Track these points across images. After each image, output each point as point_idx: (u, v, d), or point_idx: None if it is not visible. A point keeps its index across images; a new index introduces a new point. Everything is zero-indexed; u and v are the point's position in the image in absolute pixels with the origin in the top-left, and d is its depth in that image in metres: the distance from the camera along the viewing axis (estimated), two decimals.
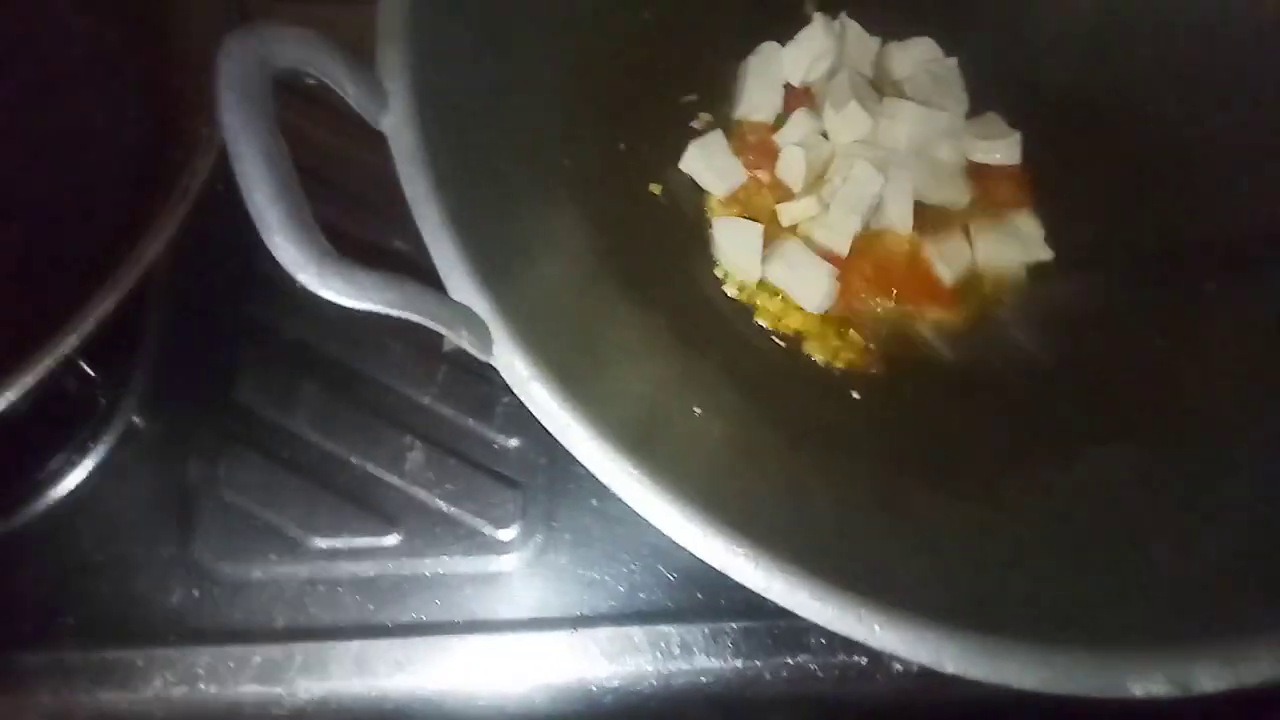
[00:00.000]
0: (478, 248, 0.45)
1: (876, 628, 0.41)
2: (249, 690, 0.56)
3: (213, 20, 0.53)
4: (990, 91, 0.73)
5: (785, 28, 0.72)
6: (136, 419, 0.63)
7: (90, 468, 0.61)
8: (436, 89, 0.49)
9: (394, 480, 0.62)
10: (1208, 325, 0.65)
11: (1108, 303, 0.67)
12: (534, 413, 0.42)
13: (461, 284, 0.43)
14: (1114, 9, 0.73)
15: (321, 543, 0.60)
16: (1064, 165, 0.71)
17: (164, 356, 0.63)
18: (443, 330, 0.40)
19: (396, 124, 0.46)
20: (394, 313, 0.38)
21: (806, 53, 0.70)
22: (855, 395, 0.63)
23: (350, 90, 0.44)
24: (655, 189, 0.68)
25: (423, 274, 0.42)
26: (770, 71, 0.71)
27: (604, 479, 0.42)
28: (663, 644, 0.60)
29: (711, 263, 0.67)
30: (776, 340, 0.65)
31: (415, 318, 0.39)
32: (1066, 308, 0.67)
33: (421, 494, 0.62)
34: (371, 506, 0.61)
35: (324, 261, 0.36)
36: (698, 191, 0.69)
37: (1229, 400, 0.62)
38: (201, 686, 0.56)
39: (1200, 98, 0.69)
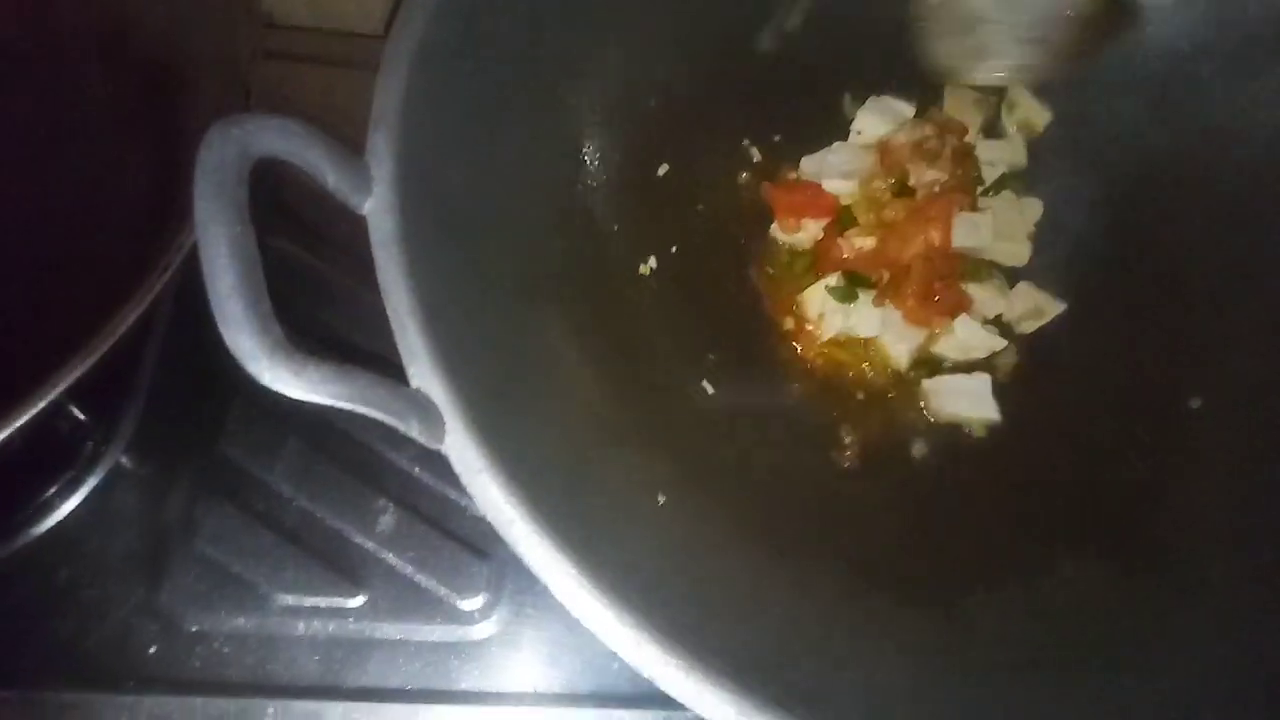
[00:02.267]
0: (446, 336, 0.46)
1: None
2: None
3: (220, 97, 0.55)
4: None
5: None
6: (124, 460, 0.64)
7: (72, 508, 0.62)
8: (424, 175, 0.50)
9: (364, 542, 0.63)
10: (1191, 445, 0.64)
11: (1090, 416, 0.66)
12: (479, 505, 0.43)
13: (421, 370, 0.44)
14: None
15: (287, 599, 0.61)
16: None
17: (154, 404, 0.65)
18: (393, 423, 0.41)
19: (377, 209, 0.47)
20: (343, 405, 0.39)
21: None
22: (825, 494, 0.62)
23: (331, 178, 0.45)
24: (645, 270, 0.68)
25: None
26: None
27: (542, 578, 0.42)
28: None
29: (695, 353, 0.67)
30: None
31: (364, 410, 0.40)
32: (1048, 419, 0.67)
33: (390, 557, 0.63)
34: (340, 566, 0.62)
35: (275, 354, 0.38)
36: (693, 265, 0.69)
37: (1206, 524, 0.61)
38: None
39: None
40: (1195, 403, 0.66)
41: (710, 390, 0.66)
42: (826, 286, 0.67)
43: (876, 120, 0.72)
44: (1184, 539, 0.61)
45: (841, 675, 0.50)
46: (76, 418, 0.62)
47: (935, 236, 0.66)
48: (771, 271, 0.70)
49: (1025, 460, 0.66)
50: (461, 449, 0.43)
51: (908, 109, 0.72)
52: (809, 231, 0.70)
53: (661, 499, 0.57)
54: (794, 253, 0.71)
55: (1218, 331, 0.67)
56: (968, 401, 0.66)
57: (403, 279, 0.46)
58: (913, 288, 0.66)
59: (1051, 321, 0.70)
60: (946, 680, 0.53)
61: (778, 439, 0.64)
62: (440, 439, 0.43)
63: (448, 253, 0.50)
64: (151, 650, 0.59)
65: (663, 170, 0.72)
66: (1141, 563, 0.60)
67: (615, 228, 0.68)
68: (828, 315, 0.67)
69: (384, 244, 0.47)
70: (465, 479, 0.43)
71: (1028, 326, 0.69)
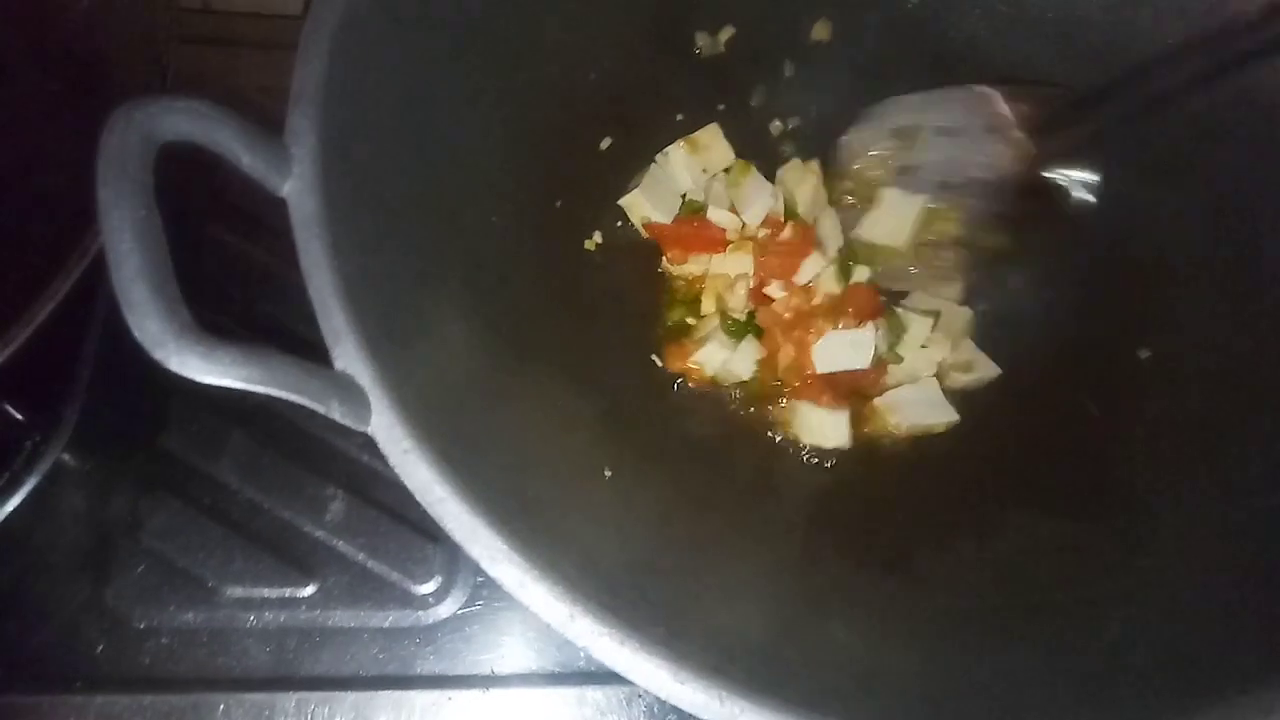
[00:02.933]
0: (371, 317, 0.45)
1: (738, 712, 0.41)
2: None
3: (139, 81, 0.54)
4: None
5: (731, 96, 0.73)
6: (66, 456, 0.63)
7: (15, 504, 0.61)
8: (346, 153, 0.49)
9: (314, 530, 0.62)
10: (1139, 394, 0.65)
11: (1041, 372, 0.66)
12: (408, 484, 0.42)
13: (345, 351, 0.43)
14: None
15: (237, 591, 0.60)
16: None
17: (94, 401, 0.64)
18: (311, 405, 0.40)
19: (298, 190, 0.46)
20: (256, 388, 0.39)
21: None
22: (774, 464, 0.62)
23: (245, 159, 0.44)
24: (590, 245, 0.68)
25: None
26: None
27: (473, 554, 0.42)
28: (575, 706, 0.60)
29: (644, 328, 0.66)
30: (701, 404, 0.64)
31: (279, 393, 0.39)
32: (1000, 376, 0.67)
33: (341, 545, 0.62)
34: (290, 556, 0.62)
35: (182, 339, 0.37)
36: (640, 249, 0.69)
37: (1154, 470, 0.62)
38: None
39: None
40: (1144, 353, 0.66)
41: (659, 363, 0.66)
42: (723, 320, 0.65)
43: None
44: (1131, 490, 0.62)
45: (792, 635, 0.50)
46: (12, 417, 0.61)
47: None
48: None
49: (975, 418, 0.66)
50: (388, 429, 0.43)
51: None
52: (698, 264, 0.68)
53: (608, 473, 0.57)
54: (684, 281, 0.69)
55: (1164, 285, 0.67)
56: (925, 409, 0.65)
57: (325, 260, 0.45)
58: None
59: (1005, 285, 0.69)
60: (899, 632, 0.54)
61: (729, 412, 0.64)
62: (366, 420, 0.43)
63: (374, 233, 0.49)
64: (99, 649, 0.58)
65: (605, 144, 0.71)
66: (1091, 513, 0.61)
67: (558, 204, 0.68)
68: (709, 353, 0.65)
69: (305, 224, 0.46)
70: (393, 459, 0.43)
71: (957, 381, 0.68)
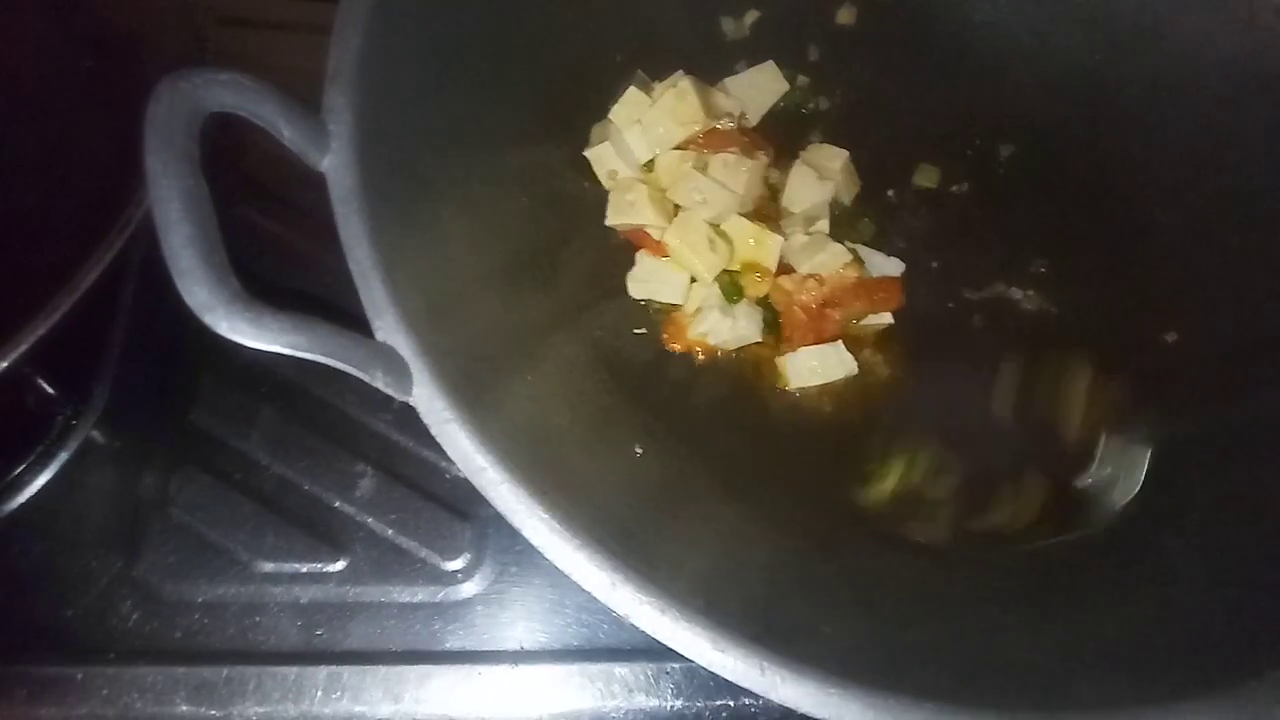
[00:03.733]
0: (411, 290, 0.45)
1: (779, 681, 0.41)
2: (184, 711, 0.56)
3: (177, 54, 0.54)
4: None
5: None
6: (96, 433, 0.64)
7: (46, 480, 0.62)
8: (382, 128, 0.50)
9: (344, 506, 0.63)
10: (1167, 377, 0.65)
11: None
12: (449, 453, 0.43)
13: (387, 324, 0.44)
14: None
15: (267, 566, 0.61)
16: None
17: (124, 375, 0.64)
18: (356, 373, 0.41)
19: (337, 165, 0.47)
20: (304, 355, 0.39)
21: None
22: (802, 439, 0.62)
23: (286, 133, 0.44)
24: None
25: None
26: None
27: (515, 523, 0.42)
28: (603, 682, 0.60)
29: None
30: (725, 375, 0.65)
31: (326, 360, 0.40)
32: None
33: (371, 521, 0.63)
34: (320, 532, 0.62)
35: (232, 305, 0.37)
36: None
37: (1183, 457, 0.62)
38: (138, 705, 0.56)
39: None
40: (1170, 336, 0.66)
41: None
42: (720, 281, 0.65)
43: None
44: (1163, 474, 0.62)
45: (825, 611, 0.50)
46: (45, 391, 0.61)
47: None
48: None
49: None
50: (429, 400, 0.43)
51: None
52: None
53: (639, 450, 0.57)
54: None
55: (1190, 267, 0.67)
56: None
57: (365, 233, 0.46)
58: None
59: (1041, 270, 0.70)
60: (924, 609, 0.54)
61: (745, 388, 0.64)
62: (408, 391, 0.43)
63: (411, 206, 0.50)
64: (132, 622, 0.58)
65: None
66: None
67: (585, 185, 0.68)
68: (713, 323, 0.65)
69: (344, 199, 0.46)
70: (434, 429, 0.43)
71: None
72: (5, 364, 0.45)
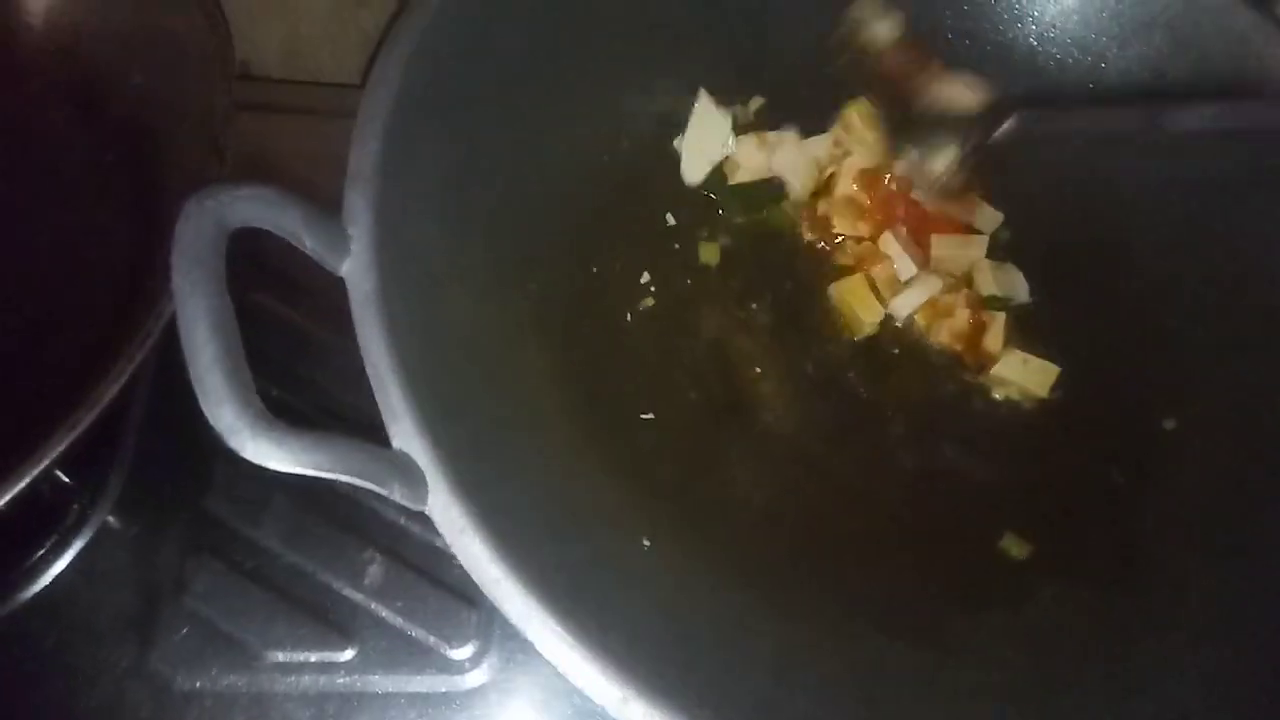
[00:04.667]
0: (427, 395, 0.46)
1: None
2: None
3: (196, 155, 0.56)
4: None
5: None
6: (111, 519, 0.64)
7: (59, 570, 0.62)
8: (402, 232, 0.51)
9: (353, 594, 0.63)
10: (1166, 466, 0.65)
11: (1068, 434, 0.67)
12: (463, 563, 0.43)
13: (403, 429, 0.45)
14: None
15: (278, 655, 0.61)
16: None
17: (140, 464, 0.65)
18: (375, 488, 0.41)
19: (356, 269, 0.48)
20: (325, 475, 0.40)
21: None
22: (809, 527, 0.63)
23: (308, 242, 0.46)
24: (631, 313, 0.69)
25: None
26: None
27: (528, 634, 0.43)
28: None
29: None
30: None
31: (346, 478, 0.40)
32: (1026, 438, 0.68)
33: (379, 609, 0.63)
34: (330, 620, 0.62)
35: (257, 427, 0.38)
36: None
37: (1183, 545, 0.62)
38: None
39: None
40: (1170, 424, 0.67)
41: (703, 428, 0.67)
42: None
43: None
44: (1161, 561, 0.62)
45: (830, 711, 0.51)
46: (62, 481, 0.62)
47: None
48: None
49: (1002, 489, 0.66)
50: (445, 509, 0.44)
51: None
52: None
53: (647, 543, 0.58)
54: None
55: (1189, 355, 0.68)
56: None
57: (383, 339, 0.47)
58: None
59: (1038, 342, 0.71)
60: (932, 706, 0.54)
61: (760, 478, 0.65)
62: (423, 500, 0.44)
63: (429, 309, 0.51)
64: (143, 713, 0.59)
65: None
66: (1120, 586, 0.61)
67: (594, 270, 0.69)
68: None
69: (363, 304, 0.47)
70: (450, 539, 0.44)
71: None
72: (23, 483, 0.46)
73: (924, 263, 0.71)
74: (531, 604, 0.43)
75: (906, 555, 0.63)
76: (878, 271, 0.71)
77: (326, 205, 0.49)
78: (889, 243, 0.71)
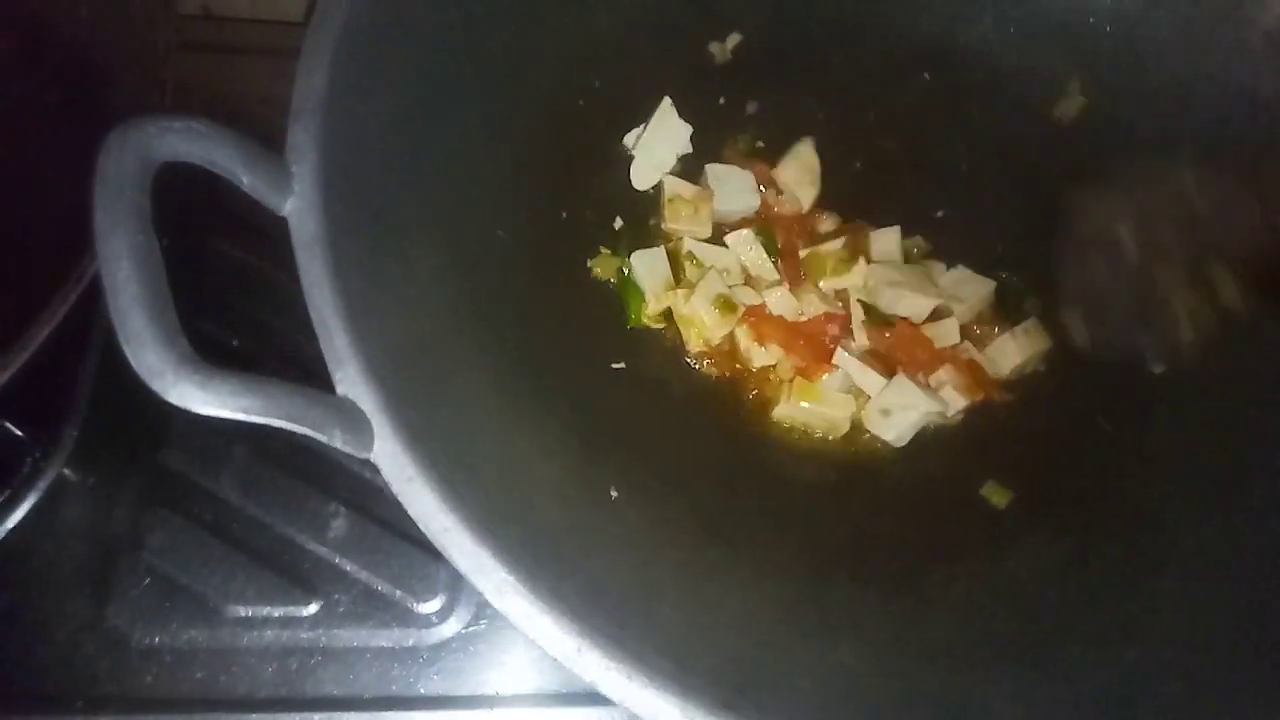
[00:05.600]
0: (374, 340, 0.44)
1: None
2: None
3: (139, 93, 0.53)
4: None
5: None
6: (67, 472, 0.62)
7: (16, 522, 0.61)
8: (348, 169, 0.48)
9: (317, 548, 0.62)
10: (1153, 410, 0.63)
11: (1056, 382, 0.65)
12: (411, 513, 0.41)
13: (348, 375, 0.43)
14: None
15: (239, 610, 0.59)
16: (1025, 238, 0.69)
17: (95, 417, 0.63)
18: (313, 434, 0.39)
19: (300, 209, 0.46)
20: (257, 419, 0.38)
21: None
22: (781, 483, 0.61)
23: (246, 179, 0.43)
24: (595, 267, 0.67)
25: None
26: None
27: (478, 585, 0.41)
28: None
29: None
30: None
31: (280, 423, 0.38)
32: (1011, 386, 0.66)
33: (344, 562, 0.61)
34: (292, 574, 0.61)
35: (181, 369, 0.36)
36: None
37: (1168, 492, 0.61)
38: None
39: None
40: (1158, 369, 0.65)
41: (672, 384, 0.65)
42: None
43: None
44: (1146, 510, 0.60)
45: (803, 665, 0.49)
46: (12, 434, 0.60)
47: None
48: None
49: (983, 438, 0.65)
50: (392, 456, 0.42)
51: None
52: None
53: (614, 494, 0.56)
54: None
55: None
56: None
57: (327, 282, 0.44)
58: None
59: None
60: (909, 659, 0.52)
61: (731, 426, 0.63)
62: (368, 447, 0.42)
63: (376, 253, 0.49)
64: (100, 668, 0.57)
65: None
66: (1106, 536, 0.59)
67: (564, 215, 0.67)
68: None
69: (307, 245, 0.45)
70: (396, 487, 0.42)
71: None
72: None
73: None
74: (482, 553, 0.41)
75: (883, 505, 0.61)
76: None
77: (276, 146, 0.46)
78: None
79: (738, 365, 0.65)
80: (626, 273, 0.66)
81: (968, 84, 0.73)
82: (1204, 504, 0.59)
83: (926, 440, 0.64)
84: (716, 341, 0.65)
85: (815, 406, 0.63)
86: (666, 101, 0.70)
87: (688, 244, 0.67)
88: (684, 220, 0.68)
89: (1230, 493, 0.59)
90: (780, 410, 0.63)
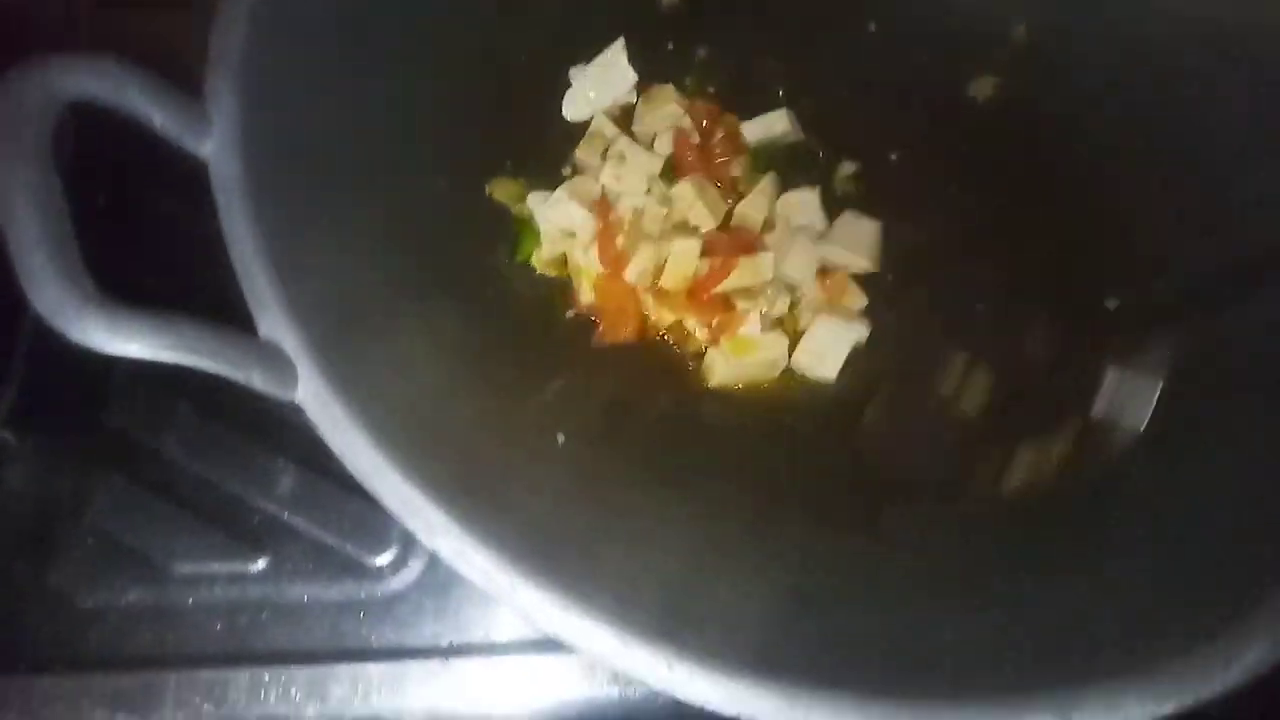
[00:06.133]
0: (298, 282, 0.43)
1: (687, 677, 0.39)
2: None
3: (58, 41, 0.51)
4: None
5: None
6: (5, 433, 0.61)
7: None
8: (271, 112, 0.47)
9: (265, 504, 0.61)
10: (1105, 341, 0.63)
11: (1003, 312, 0.65)
12: (338, 454, 0.41)
13: (270, 318, 0.42)
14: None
15: (185, 568, 0.59)
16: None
17: (33, 375, 0.62)
18: (230, 374, 0.39)
19: (219, 151, 0.45)
20: (168, 358, 0.37)
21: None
22: (731, 416, 0.61)
23: (158, 120, 0.42)
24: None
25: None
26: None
27: (409, 525, 0.40)
28: (536, 675, 0.58)
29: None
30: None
31: (193, 362, 0.38)
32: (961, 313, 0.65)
33: (293, 518, 0.61)
34: (240, 531, 0.60)
35: (85, 308, 0.35)
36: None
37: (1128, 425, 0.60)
38: (53, 717, 0.55)
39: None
40: (1112, 303, 0.65)
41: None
42: None
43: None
44: (1105, 442, 0.60)
45: (747, 600, 0.49)
46: None
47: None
48: None
49: (939, 376, 0.64)
50: (316, 396, 0.41)
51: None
52: None
53: (561, 438, 0.55)
54: None
55: (1126, 233, 0.65)
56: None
57: (247, 224, 0.44)
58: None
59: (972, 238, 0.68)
60: (861, 593, 0.52)
61: (680, 369, 0.62)
62: (292, 389, 0.41)
63: (302, 197, 0.47)
64: (43, 630, 0.57)
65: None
66: (1064, 469, 0.59)
67: (508, 164, 0.66)
68: None
69: (226, 188, 0.44)
70: (322, 428, 0.41)
71: None
72: None
73: None
74: (411, 491, 0.40)
75: (836, 446, 0.60)
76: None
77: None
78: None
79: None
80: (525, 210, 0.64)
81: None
82: (1163, 440, 0.59)
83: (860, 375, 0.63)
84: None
85: (749, 357, 0.62)
86: (619, 42, 0.68)
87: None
88: (595, 158, 0.66)
89: (1190, 429, 0.59)
90: (719, 377, 0.62)
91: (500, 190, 0.65)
